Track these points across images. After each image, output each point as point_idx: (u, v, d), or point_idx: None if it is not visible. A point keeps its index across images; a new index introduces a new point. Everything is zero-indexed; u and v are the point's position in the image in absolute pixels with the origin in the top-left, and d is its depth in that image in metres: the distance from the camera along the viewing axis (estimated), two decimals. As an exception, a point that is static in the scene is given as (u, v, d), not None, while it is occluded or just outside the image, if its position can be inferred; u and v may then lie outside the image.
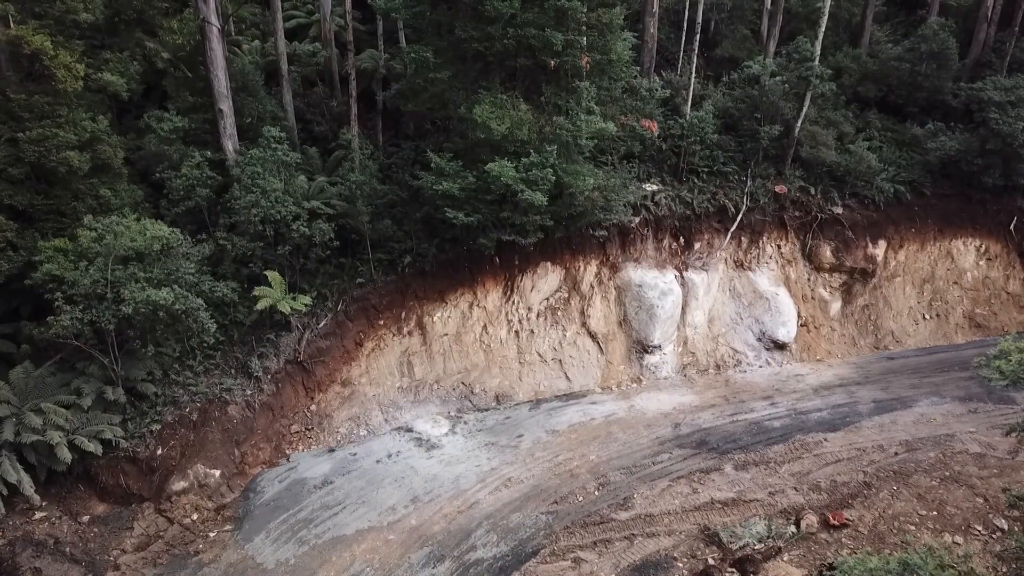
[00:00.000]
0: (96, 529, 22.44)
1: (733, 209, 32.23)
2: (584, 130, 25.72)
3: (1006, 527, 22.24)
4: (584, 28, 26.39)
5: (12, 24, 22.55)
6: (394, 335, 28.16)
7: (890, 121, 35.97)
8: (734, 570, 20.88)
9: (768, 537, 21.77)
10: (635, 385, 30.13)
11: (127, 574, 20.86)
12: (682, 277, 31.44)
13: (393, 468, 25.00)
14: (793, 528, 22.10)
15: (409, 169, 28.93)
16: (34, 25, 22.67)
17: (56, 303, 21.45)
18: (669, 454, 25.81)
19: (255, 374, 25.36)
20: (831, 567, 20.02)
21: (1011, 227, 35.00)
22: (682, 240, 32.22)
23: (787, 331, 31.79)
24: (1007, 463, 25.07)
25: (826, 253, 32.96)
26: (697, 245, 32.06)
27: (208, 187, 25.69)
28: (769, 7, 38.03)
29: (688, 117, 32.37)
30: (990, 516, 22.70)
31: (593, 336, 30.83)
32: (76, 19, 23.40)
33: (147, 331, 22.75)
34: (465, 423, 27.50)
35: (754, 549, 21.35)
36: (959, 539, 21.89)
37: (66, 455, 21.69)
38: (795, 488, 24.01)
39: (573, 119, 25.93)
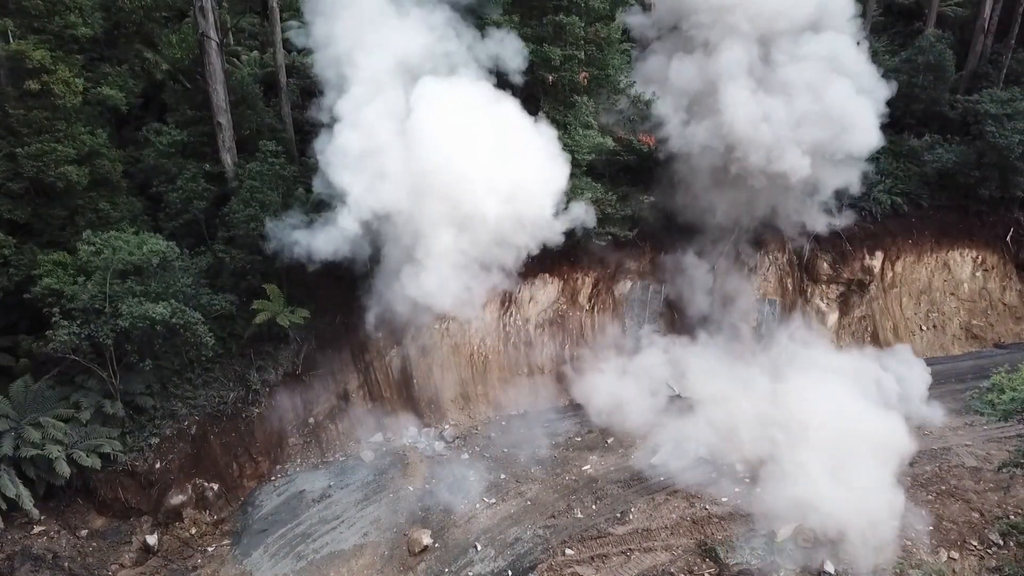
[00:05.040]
0: (95, 543, 22.51)
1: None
2: (583, 145, 25.81)
3: (1002, 542, 22.34)
4: (582, 43, 26.51)
5: (12, 39, 22.61)
6: (393, 347, 28.21)
7: (887, 132, 35.90)
8: (731, 586, 21.00)
9: (766, 552, 21.85)
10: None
11: (125, 589, 20.98)
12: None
13: (391, 482, 25.07)
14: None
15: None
16: (33, 40, 22.74)
17: (54, 318, 21.50)
18: (666, 467, 25.88)
19: (254, 387, 25.40)
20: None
21: (1007, 238, 35.06)
22: (680, 251, 32.30)
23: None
24: (1003, 477, 25.13)
25: (823, 265, 33.06)
26: (694, 257, 32.14)
27: (205, 200, 25.76)
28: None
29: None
30: (986, 531, 22.77)
31: (592, 348, 30.90)
32: (75, 34, 23.45)
33: (145, 345, 22.79)
34: (463, 435, 27.58)
35: (751, 565, 21.44)
36: (955, 554, 21.99)
37: (65, 469, 21.74)
38: (792, 502, 24.07)
39: (571, 134, 26.03)
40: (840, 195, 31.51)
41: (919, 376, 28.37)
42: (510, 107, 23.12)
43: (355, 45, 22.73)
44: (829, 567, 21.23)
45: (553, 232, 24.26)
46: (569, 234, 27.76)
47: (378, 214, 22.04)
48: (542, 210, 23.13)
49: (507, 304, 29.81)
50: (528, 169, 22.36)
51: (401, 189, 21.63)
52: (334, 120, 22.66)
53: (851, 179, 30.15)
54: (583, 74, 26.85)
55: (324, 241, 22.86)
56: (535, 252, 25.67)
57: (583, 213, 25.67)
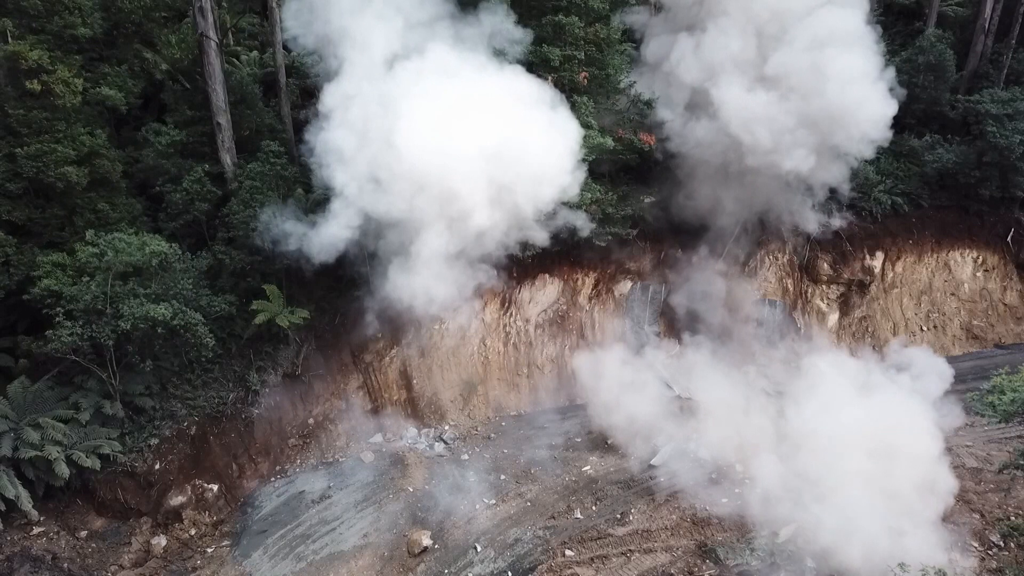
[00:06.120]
0: (94, 544, 22.47)
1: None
2: (582, 145, 25.75)
3: (1002, 544, 22.29)
4: (582, 43, 26.47)
5: (10, 39, 22.57)
6: (393, 348, 28.18)
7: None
8: (731, 587, 20.96)
9: (766, 554, 21.79)
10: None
11: (125, 591, 20.95)
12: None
13: (391, 482, 25.04)
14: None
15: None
16: (32, 40, 22.70)
17: (57, 319, 21.44)
18: (667, 468, 25.84)
19: (253, 388, 25.37)
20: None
21: (1008, 239, 35.08)
22: (680, 252, 32.30)
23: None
24: (1004, 478, 25.07)
25: (823, 265, 33.04)
26: (695, 257, 32.16)
27: (207, 201, 25.72)
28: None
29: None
30: (986, 532, 22.73)
31: (592, 347, 30.87)
32: (75, 34, 23.41)
33: (145, 346, 22.77)
34: (462, 436, 27.54)
35: (751, 566, 21.39)
36: (956, 556, 21.92)
37: (64, 470, 21.68)
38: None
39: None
40: (840, 195, 31.50)
41: (934, 374, 27.84)
42: (498, 91, 22.60)
43: (341, 35, 22.79)
44: (822, 568, 21.18)
45: (543, 236, 24.43)
46: (569, 234, 27.85)
47: (368, 213, 22.08)
48: (528, 213, 23.12)
49: (507, 304, 29.80)
50: (518, 164, 22.21)
51: (386, 188, 21.68)
52: (320, 116, 22.83)
53: (850, 176, 30.21)
54: (583, 74, 26.83)
55: (321, 240, 22.87)
56: (528, 252, 25.81)
57: (574, 218, 25.71)
